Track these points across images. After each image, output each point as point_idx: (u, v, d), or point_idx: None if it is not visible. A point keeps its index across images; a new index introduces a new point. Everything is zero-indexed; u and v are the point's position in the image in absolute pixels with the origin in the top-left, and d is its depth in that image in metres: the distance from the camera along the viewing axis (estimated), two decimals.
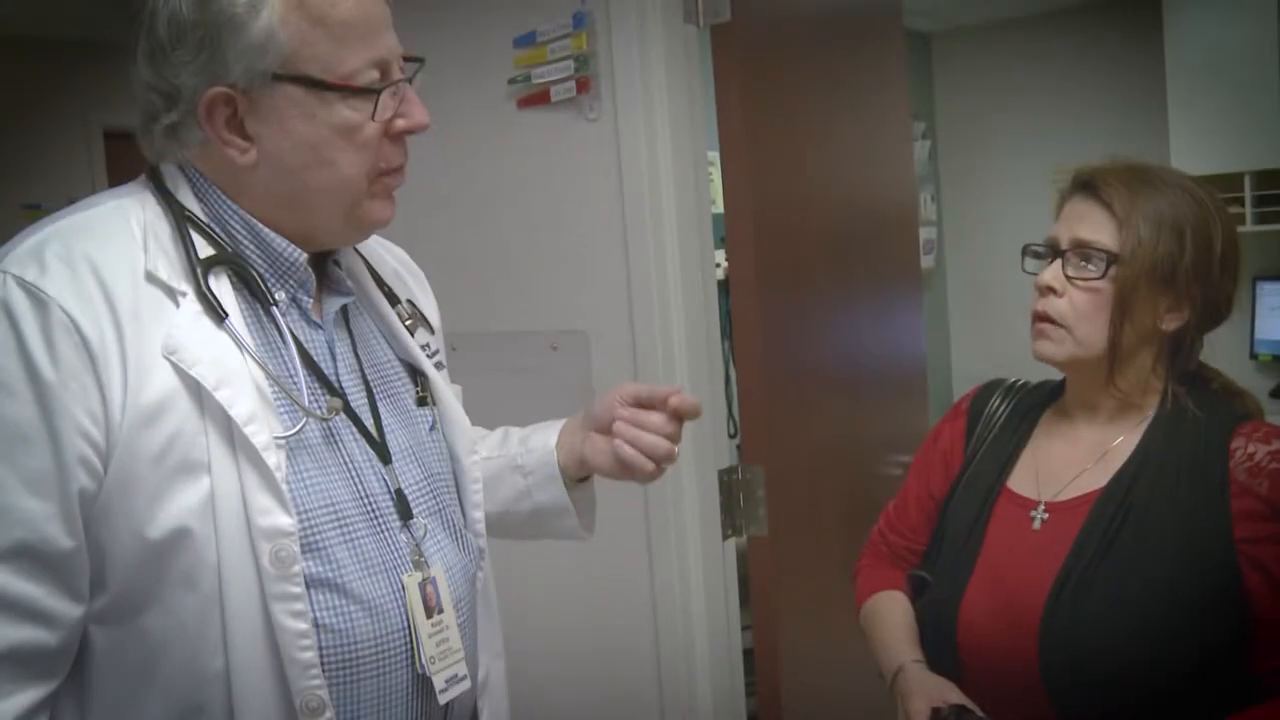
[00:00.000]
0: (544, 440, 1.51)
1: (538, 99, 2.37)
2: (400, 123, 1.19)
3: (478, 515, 1.37)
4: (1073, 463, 1.52)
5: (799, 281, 2.49)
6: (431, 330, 1.43)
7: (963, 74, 5.56)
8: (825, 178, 2.61)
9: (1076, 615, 1.38)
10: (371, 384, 1.28)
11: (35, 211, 4.96)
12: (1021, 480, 1.56)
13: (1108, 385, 1.48)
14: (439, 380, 1.38)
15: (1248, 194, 4.29)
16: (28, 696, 1.06)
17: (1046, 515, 1.50)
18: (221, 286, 1.15)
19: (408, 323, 1.37)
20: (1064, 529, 1.46)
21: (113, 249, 1.10)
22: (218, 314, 1.13)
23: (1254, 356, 4.54)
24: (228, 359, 1.12)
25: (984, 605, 1.48)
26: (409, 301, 1.40)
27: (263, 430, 1.11)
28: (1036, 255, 1.53)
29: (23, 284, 1.05)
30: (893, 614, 1.65)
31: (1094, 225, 1.46)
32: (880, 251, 2.81)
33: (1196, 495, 1.39)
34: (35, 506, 1.03)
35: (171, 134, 1.16)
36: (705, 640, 2.34)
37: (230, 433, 1.10)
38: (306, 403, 1.17)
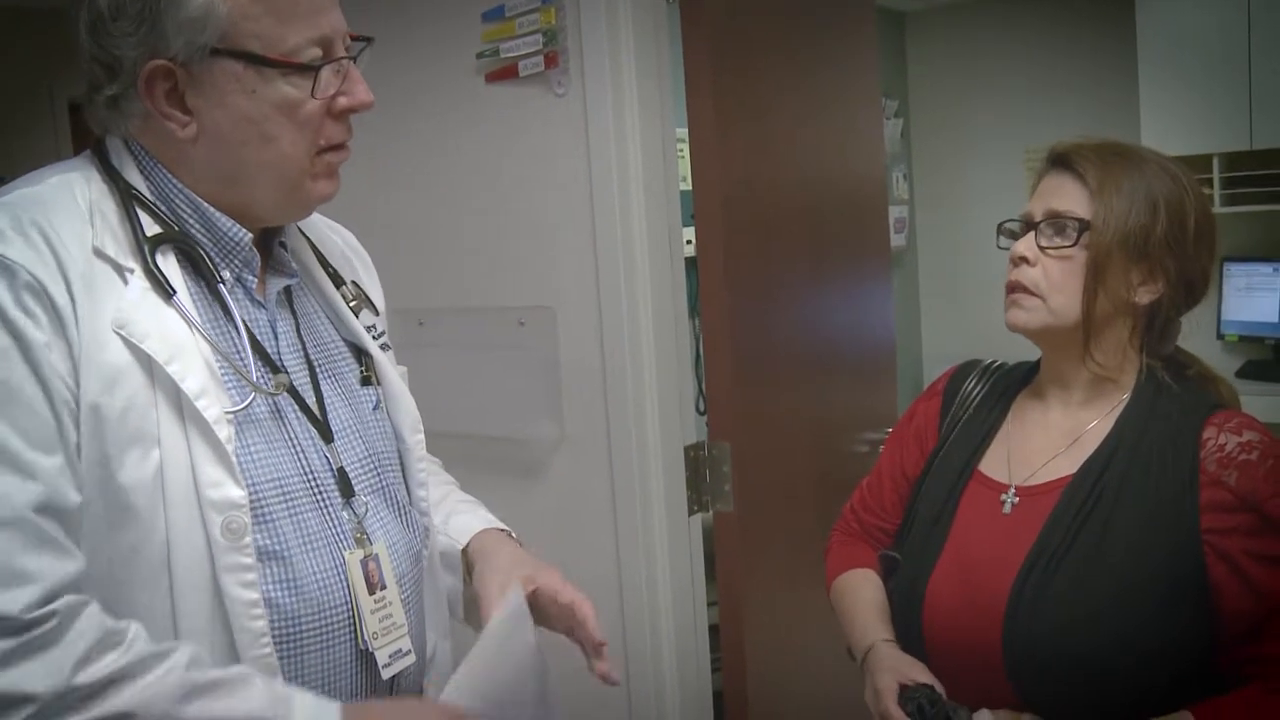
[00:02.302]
0: (455, 537, 1.48)
1: (506, 73, 2.35)
2: (343, 100, 1.19)
3: (422, 494, 1.39)
4: (1045, 447, 1.51)
5: (767, 259, 2.49)
6: (376, 312, 1.44)
7: (936, 53, 5.56)
8: (795, 155, 2.60)
9: (1040, 602, 1.38)
10: (315, 363, 1.29)
11: None
12: (993, 463, 1.55)
13: (1084, 358, 1.47)
14: (384, 360, 1.39)
15: (1216, 176, 4.31)
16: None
17: (1016, 499, 1.49)
18: (168, 264, 1.16)
19: (352, 304, 1.38)
20: (1033, 514, 1.45)
21: (61, 222, 1.10)
22: (165, 291, 1.13)
23: (1221, 336, 4.56)
24: (177, 334, 1.12)
25: (950, 588, 1.48)
26: (353, 283, 1.41)
27: (214, 404, 1.12)
28: (1011, 234, 1.53)
29: None
30: (864, 591, 1.65)
31: (1067, 197, 1.46)
32: (850, 229, 2.82)
33: (1165, 485, 1.39)
34: (47, 463, 1.03)
35: (113, 105, 1.16)
36: (670, 615, 2.35)
37: (180, 407, 1.11)
38: (254, 378, 1.18)
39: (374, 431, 1.33)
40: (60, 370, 1.05)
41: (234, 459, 1.12)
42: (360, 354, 1.37)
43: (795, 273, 2.60)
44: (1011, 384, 1.62)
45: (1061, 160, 1.50)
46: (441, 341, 2.51)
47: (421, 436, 1.40)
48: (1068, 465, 1.47)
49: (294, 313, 1.30)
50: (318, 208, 1.29)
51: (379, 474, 1.31)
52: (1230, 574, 1.35)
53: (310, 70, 1.15)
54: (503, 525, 1.52)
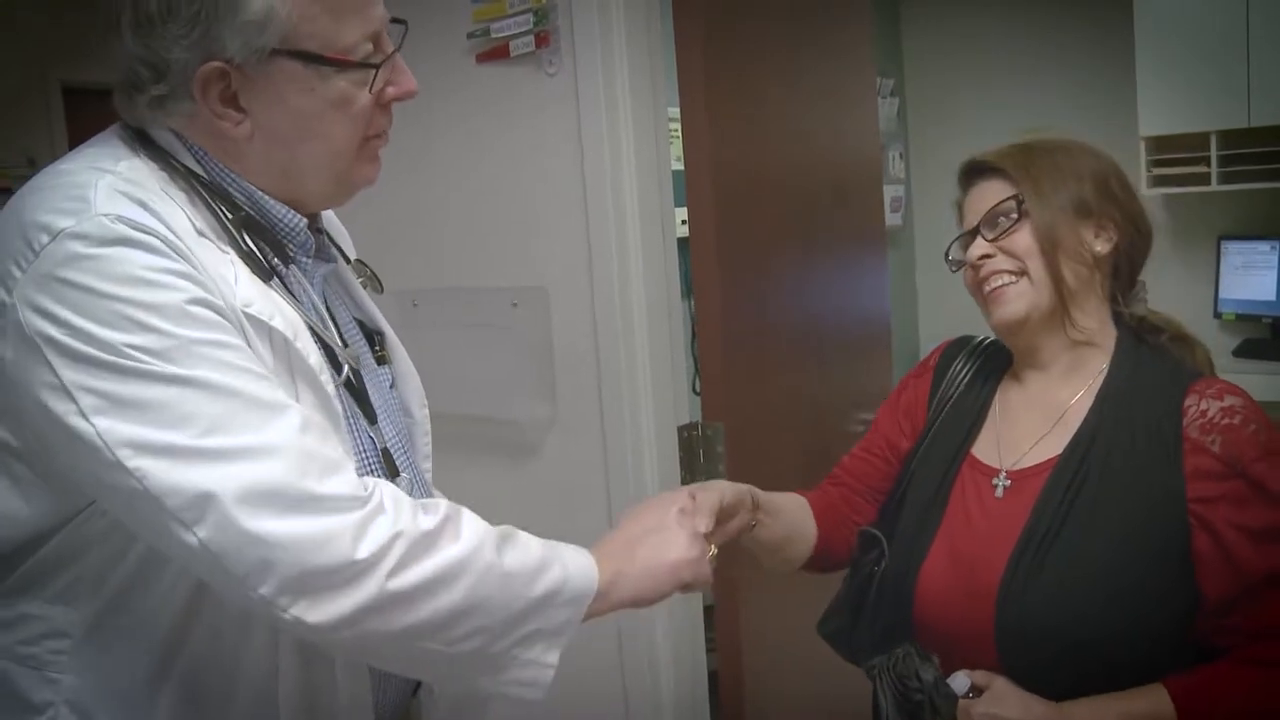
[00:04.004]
0: None
1: (497, 53, 2.35)
2: (391, 90, 1.20)
3: (427, 466, 1.42)
4: (1031, 429, 1.51)
5: (761, 239, 2.48)
6: (380, 289, 1.44)
7: (931, 31, 5.53)
8: (788, 134, 2.59)
9: (1031, 586, 1.38)
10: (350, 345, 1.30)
11: None
12: (984, 447, 1.55)
13: (1065, 325, 1.47)
14: (394, 339, 1.40)
15: (1213, 154, 4.29)
16: None
17: (1008, 483, 1.49)
18: (252, 246, 1.16)
19: (360, 281, 1.39)
20: (1024, 498, 1.45)
21: (160, 205, 1.08)
22: (265, 272, 1.14)
23: (1218, 315, 4.56)
24: (290, 312, 1.14)
25: (943, 573, 1.48)
26: (359, 261, 1.42)
27: (329, 380, 1.15)
28: (959, 262, 1.54)
29: (125, 220, 1.03)
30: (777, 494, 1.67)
31: (995, 192, 1.49)
32: (844, 209, 2.81)
33: (1150, 457, 1.38)
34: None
35: (159, 105, 1.13)
36: None
37: (294, 383, 1.12)
38: (343, 354, 1.22)
39: (396, 411, 1.36)
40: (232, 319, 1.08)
41: (346, 432, 1.17)
42: (372, 334, 1.38)
43: (790, 252, 2.59)
44: (999, 364, 1.62)
45: (975, 170, 1.54)
46: (434, 322, 2.51)
47: (427, 411, 1.43)
48: (1054, 446, 1.47)
49: (324, 295, 1.31)
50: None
51: (408, 453, 1.34)
52: (1212, 546, 1.34)
53: (368, 68, 1.15)
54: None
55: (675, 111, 2.34)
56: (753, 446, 2.42)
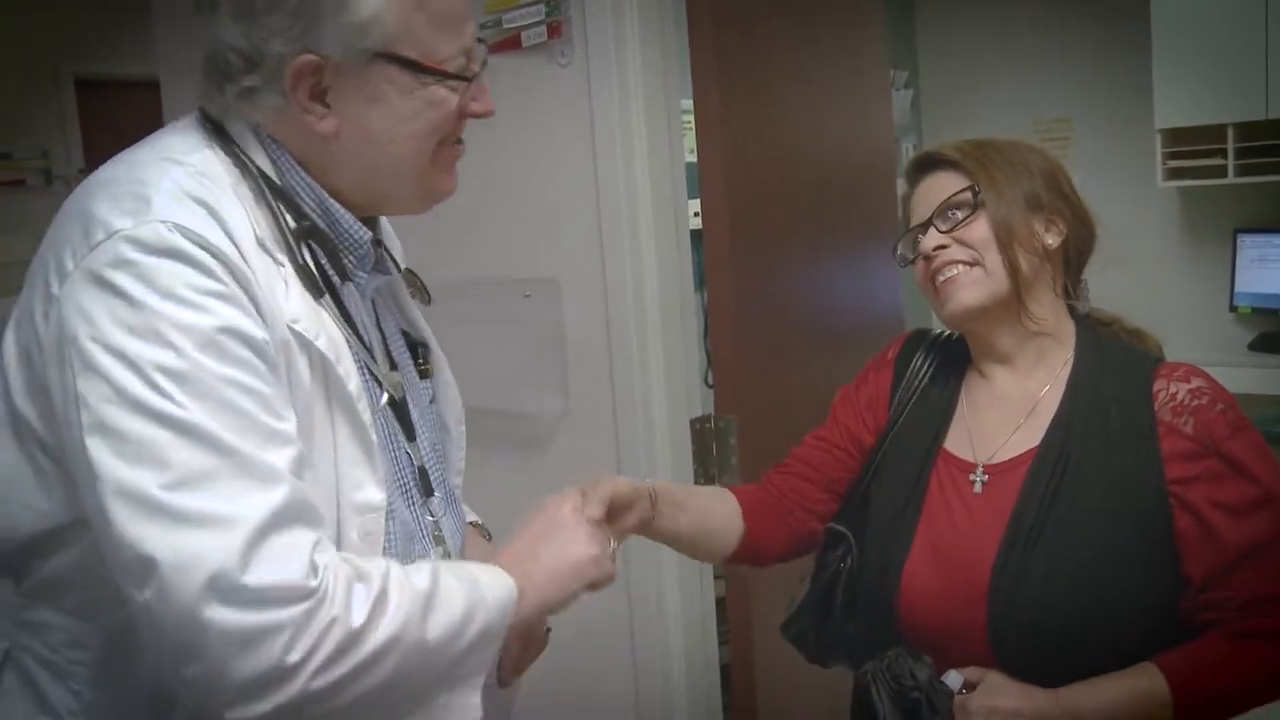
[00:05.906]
0: None
1: (509, 44, 2.34)
2: (475, 105, 1.21)
3: (458, 482, 1.40)
4: (1003, 422, 1.51)
5: (774, 231, 2.48)
6: (428, 300, 1.43)
7: (946, 24, 5.51)
8: (801, 126, 2.59)
9: (1022, 580, 1.38)
10: (395, 359, 1.29)
11: (6, 160, 4.91)
12: (956, 442, 1.54)
13: (1020, 316, 1.48)
14: (439, 352, 1.39)
15: (1230, 146, 4.25)
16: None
17: (986, 478, 1.49)
18: (310, 260, 1.14)
19: (409, 291, 1.38)
20: (1004, 491, 1.45)
21: (227, 207, 1.07)
22: (316, 288, 1.13)
23: (1233, 309, 4.52)
24: (336, 333, 1.12)
25: (927, 571, 1.47)
26: (408, 270, 1.40)
27: (367, 407, 1.13)
28: (905, 259, 1.55)
29: (181, 229, 1.02)
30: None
31: (948, 185, 1.50)
32: (858, 201, 2.80)
33: (1126, 442, 1.41)
34: (287, 425, 1.04)
35: (247, 96, 1.12)
36: (677, 589, 2.35)
37: (330, 406, 1.10)
38: (385, 380, 1.20)
39: (433, 427, 1.34)
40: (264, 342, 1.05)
41: (379, 461, 1.13)
42: (416, 345, 1.36)
43: (803, 245, 2.58)
44: (960, 358, 1.62)
45: (926, 163, 1.55)
46: (447, 314, 2.49)
47: (464, 428, 1.42)
48: (1029, 438, 1.48)
49: (374, 306, 1.30)
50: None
51: (441, 470, 1.32)
52: (1194, 525, 1.37)
53: (463, 80, 1.16)
54: (477, 518, 1.52)
55: (688, 103, 2.33)
56: (765, 439, 2.41)
